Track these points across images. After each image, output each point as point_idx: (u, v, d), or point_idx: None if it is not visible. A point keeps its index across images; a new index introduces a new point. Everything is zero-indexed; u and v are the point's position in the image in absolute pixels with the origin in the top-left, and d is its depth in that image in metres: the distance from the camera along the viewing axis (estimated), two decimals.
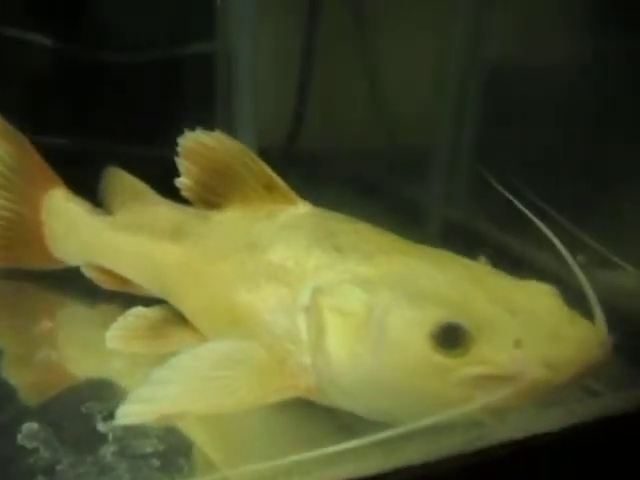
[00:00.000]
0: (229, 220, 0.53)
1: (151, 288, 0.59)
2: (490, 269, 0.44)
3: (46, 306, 0.65)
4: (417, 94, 0.82)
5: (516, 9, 0.70)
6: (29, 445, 0.42)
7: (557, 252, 0.44)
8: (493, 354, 0.37)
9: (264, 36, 0.72)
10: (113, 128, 0.72)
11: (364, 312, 0.41)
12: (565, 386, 0.38)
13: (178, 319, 0.55)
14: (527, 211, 0.49)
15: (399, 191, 0.83)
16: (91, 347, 0.56)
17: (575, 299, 0.41)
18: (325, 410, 0.43)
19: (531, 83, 0.70)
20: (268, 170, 0.52)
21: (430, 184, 0.83)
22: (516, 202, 0.50)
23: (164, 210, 0.59)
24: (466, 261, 0.45)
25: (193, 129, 0.51)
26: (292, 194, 0.52)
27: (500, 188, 0.53)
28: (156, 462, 0.41)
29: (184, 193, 0.54)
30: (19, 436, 0.43)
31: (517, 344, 0.37)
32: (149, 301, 0.57)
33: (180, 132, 0.52)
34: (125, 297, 0.59)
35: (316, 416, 0.44)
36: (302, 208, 0.51)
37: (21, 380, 0.52)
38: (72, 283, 0.64)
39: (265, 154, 0.53)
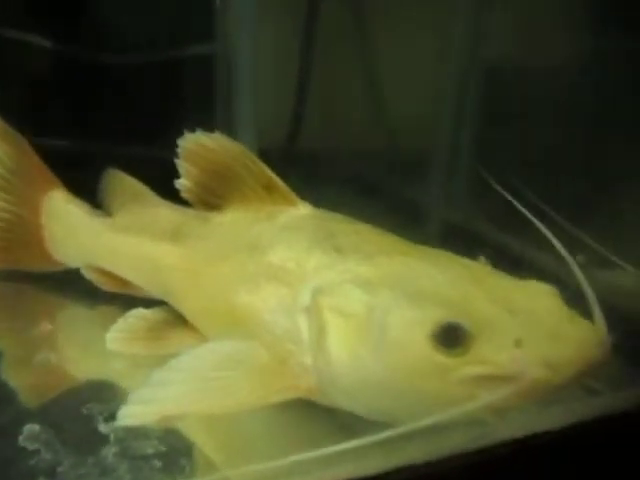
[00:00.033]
0: (229, 221, 0.53)
1: (151, 290, 0.59)
2: (490, 269, 0.44)
3: (46, 308, 0.65)
4: (417, 94, 0.82)
5: (516, 9, 0.70)
6: (30, 447, 0.42)
7: (556, 252, 0.44)
8: (493, 354, 0.37)
9: (264, 37, 0.72)
10: (113, 129, 0.72)
11: (365, 312, 0.41)
12: (565, 385, 0.38)
13: (178, 320, 0.55)
14: (526, 211, 0.49)
15: (399, 191, 0.83)
16: (91, 349, 0.56)
17: (574, 299, 0.41)
18: (326, 410, 0.43)
19: (531, 83, 0.70)
20: (268, 171, 0.52)
21: (430, 184, 0.83)
22: (515, 202, 0.50)
23: (164, 212, 0.59)
24: (466, 261, 0.45)
25: (193, 130, 0.52)
26: (292, 195, 0.52)
27: (499, 188, 0.54)
28: (157, 463, 0.41)
29: (184, 195, 0.54)
30: (20, 438, 0.43)
31: (517, 344, 0.37)
32: (149, 303, 0.57)
33: (180, 133, 0.52)
34: (125, 299, 0.59)
35: (317, 416, 0.44)
36: (302, 209, 0.51)
37: (21, 382, 0.52)
38: (72, 285, 0.64)
39: (265, 155, 0.53)
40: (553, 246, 0.45)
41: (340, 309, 0.41)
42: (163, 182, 0.56)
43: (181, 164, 0.53)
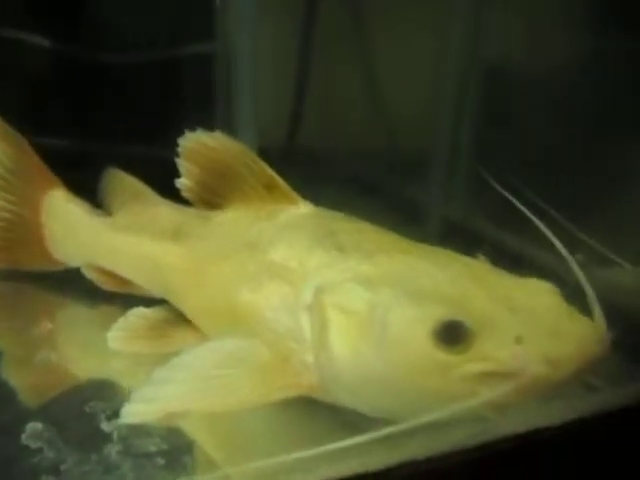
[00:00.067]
0: (230, 220, 0.53)
1: (152, 289, 0.59)
2: (490, 267, 0.44)
3: (46, 307, 0.65)
4: (416, 94, 0.82)
5: (516, 9, 0.70)
6: (33, 445, 0.42)
7: (556, 251, 0.45)
8: (494, 350, 0.38)
9: (264, 36, 0.72)
10: (113, 129, 0.72)
11: (366, 310, 0.41)
12: (565, 382, 0.38)
13: (179, 319, 0.55)
14: (526, 210, 0.49)
15: (398, 191, 0.83)
16: (92, 348, 0.56)
17: (574, 296, 0.41)
18: (328, 408, 0.44)
19: (531, 83, 0.70)
20: (269, 170, 0.52)
21: (429, 184, 0.83)
22: (515, 202, 0.51)
23: (164, 211, 0.59)
24: (466, 259, 0.45)
25: (193, 129, 0.52)
26: (293, 194, 0.52)
27: (498, 187, 0.54)
28: (160, 461, 0.42)
29: (184, 194, 0.54)
30: (23, 436, 0.43)
31: (518, 341, 0.38)
32: (150, 301, 0.57)
33: (180, 133, 0.52)
34: (125, 298, 0.60)
35: (319, 414, 0.44)
36: (303, 208, 0.51)
37: (21, 381, 0.52)
38: (72, 284, 0.64)
39: (265, 154, 0.53)
40: (553, 245, 0.45)
41: (342, 307, 0.42)
42: (163, 181, 0.56)
43: (182, 163, 0.53)
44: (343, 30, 0.87)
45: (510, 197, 0.51)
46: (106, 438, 0.43)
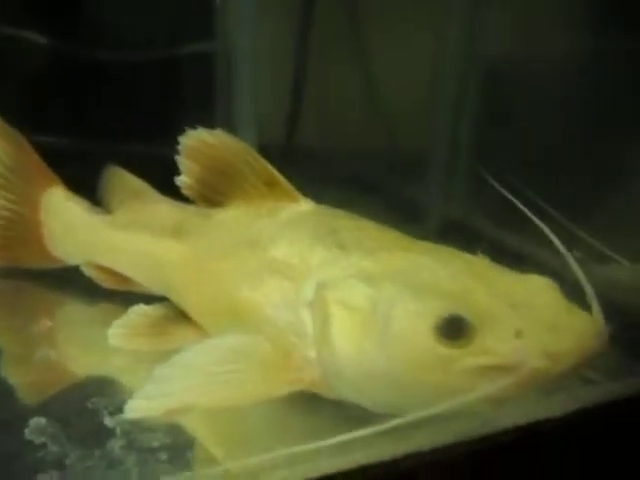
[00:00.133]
0: (231, 218, 0.53)
1: (152, 286, 0.59)
2: (490, 263, 0.45)
3: (45, 305, 0.65)
4: (415, 93, 0.83)
5: (515, 7, 0.70)
6: (37, 440, 0.42)
7: (555, 248, 0.45)
8: (495, 345, 0.38)
9: (263, 36, 0.72)
10: (113, 127, 0.72)
11: (369, 306, 0.41)
12: (564, 375, 0.39)
13: (180, 317, 0.55)
14: (525, 209, 0.50)
15: (398, 191, 0.84)
16: (92, 345, 0.56)
17: (573, 292, 0.42)
18: (330, 403, 0.44)
19: (530, 82, 0.71)
20: (270, 167, 0.52)
21: (429, 184, 0.83)
22: (514, 200, 0.51)
23: (164, 208, 0.59)
24: (467, 256, 0.45)
25: (194, 127, 0.52)
26: (294, 191, 0.52)
27: (497, 186, 0.54)
28: (163, 455, 0.42)
29: (185, 191, 0.54)
30: (26, 431, 0.43)
31: (518, 335, 0.38)
32: (150, 299, 0.57)
33: (180, 131, 0.52)
34: (125, 295, 0.60)
35: (321, 409, 0.45)
36: (304, 205, 0.52)
37: (21, 379, 0.52)
38: (71, 282, 0.64)
39: (264, 153, 0.53)
40: (552, 242, 0.46)
41: (344, 302, 0.42)
42: (163, 179, 0.56)
43: (182, 161, 0.53)
44: (342, 30, 0.87)
45: (509, 196, 0.52)
46: (109, 433, 0.43)
